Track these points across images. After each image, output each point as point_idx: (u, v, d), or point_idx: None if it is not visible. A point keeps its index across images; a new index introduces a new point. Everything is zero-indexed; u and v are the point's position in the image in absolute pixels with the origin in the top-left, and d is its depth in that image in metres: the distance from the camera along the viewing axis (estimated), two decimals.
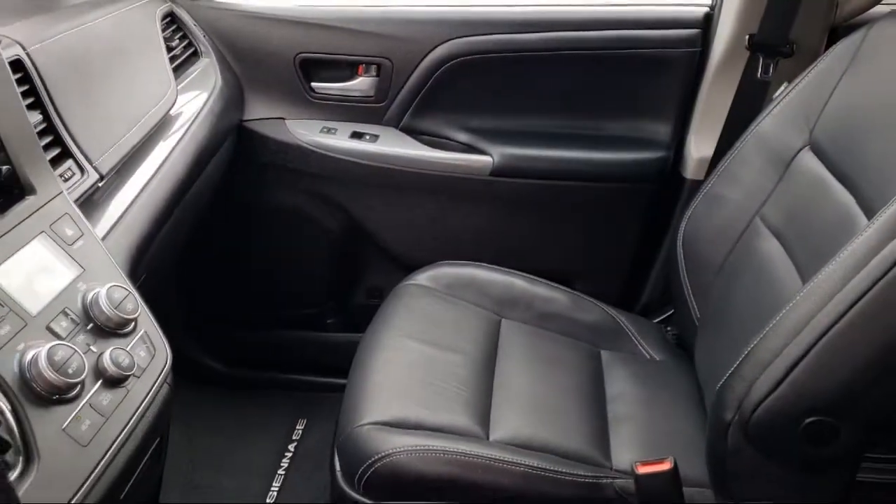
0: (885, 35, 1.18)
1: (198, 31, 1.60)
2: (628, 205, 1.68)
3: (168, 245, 1.25)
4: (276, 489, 1.58)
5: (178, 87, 1.41)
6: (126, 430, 0.84)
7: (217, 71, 1.58)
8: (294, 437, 1.72)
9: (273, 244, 1.79)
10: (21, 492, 0.68)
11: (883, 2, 1.42)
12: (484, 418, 1.19)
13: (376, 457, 1.09)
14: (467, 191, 1.68)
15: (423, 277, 1.50)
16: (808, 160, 1.23)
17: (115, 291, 0.89)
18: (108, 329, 0.88)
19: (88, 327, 0.86)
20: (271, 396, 1.82)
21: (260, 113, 1.67)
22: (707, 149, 1.57)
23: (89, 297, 0.88)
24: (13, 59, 0.98)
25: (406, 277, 1.50)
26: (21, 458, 0.71)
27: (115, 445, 0.82)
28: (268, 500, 1.55)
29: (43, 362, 0.76)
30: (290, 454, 1.67)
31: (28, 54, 1.01)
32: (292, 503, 1.57)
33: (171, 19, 1.54)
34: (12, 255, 0.84)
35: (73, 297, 0.87)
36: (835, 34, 1.45)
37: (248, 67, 1.65)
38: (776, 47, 1.46)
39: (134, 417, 0.85)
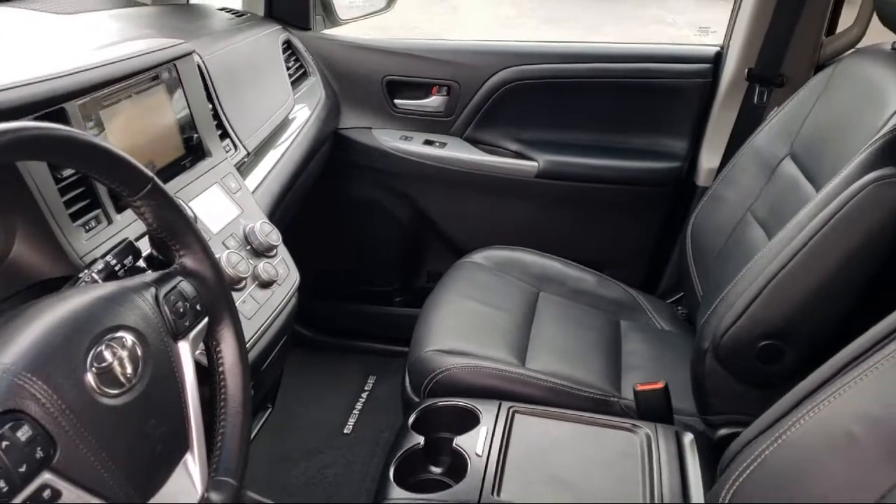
0: (847, 71, 1.49)
1: (307, 56, 1.99)
2: (649, 205, 1.98)
3: (286, 212, 1.62)
4: (352, 423, 1.92)
5: (294, 98, 1.80)
6: (271, 316, 1.20)
7: (321, 87, 1.97)
8: (366, 389, 2.06)
9: (356, 231, 2.14)
10: None
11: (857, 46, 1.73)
12: (521, 354, 1.51)
13: (438, 371, 1.42)
14: (516, 189, 2.00)
15: (477, 257, 1.83)
16: (789, 166, 1.53)
17: (264, 226, 1.26)
18: (260, 251, 1.25)
19: (247, 248, 1.23)
20: (348, 358, 2.17)
21: (352, 122, 2.05)
22: (715, 160, 1.88)
23: (247, 228, 1.25)
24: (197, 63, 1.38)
25: (464, 256, 1.84)
26: None
27: (265, 325, 1.18)
28: (345, 431, 1.90)
29: (224, 261, 1.13)
30: (362, 400, 2.01)
31: (203, 62, 1.41)
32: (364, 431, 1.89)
33: (287, 45, 1.93)
34: (200, 194, 1.22)
35: (237, 227, 1.24)
36: (821, 69, 1.77)
37: (345, 86, 2.04)
38: (770, 79, 1.78)
39: (276, 310, 1.22)
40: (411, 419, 1.31)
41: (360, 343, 2.22)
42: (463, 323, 1.57)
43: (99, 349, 0.70)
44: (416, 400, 1.44)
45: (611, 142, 2.00)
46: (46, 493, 0.62)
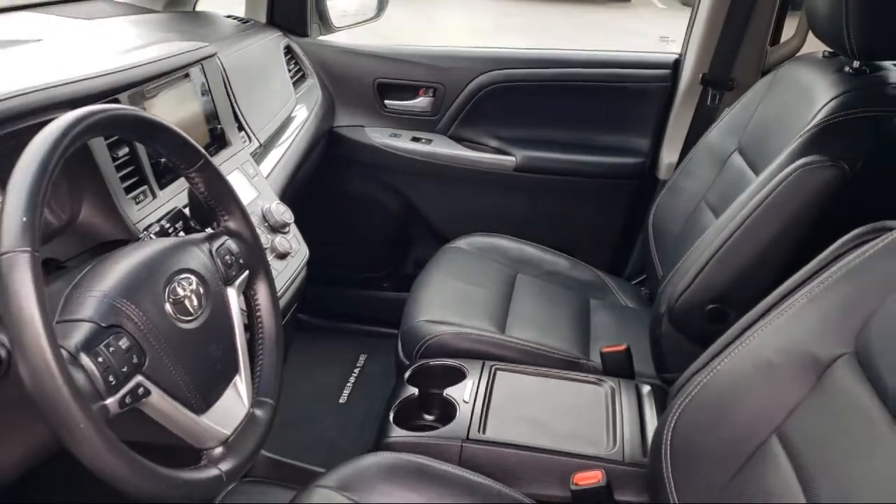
0: (786, 76, 1.69)
1: (305, 60, 2.18)
2: (616, 196, 2.19)
3: (291, 199, 1.80)
4: (346, 394, 2.10)
5: (295, 98, 1.99)
6: (287, 283, 1.38)
7: (318, 89, 2.15)
8: (358, 365, 2.24)
9: (349, 221, 2.32)
10: None
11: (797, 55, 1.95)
12: (501, 324, 1.69)
13: (428, 337, 1.61)
14: (495, 182, 2.20)
15: (461, 243, 2.01)
16: (736, 159, 1.74)
17: (279, 206, 1.44)
18: (275, 228, 1.43)
19: (264, 225, 1.41)
20: (340, 339, 2.34)
21: (346, 121, 2.24)
22: (674, 156, 2.10)
23: (265, 207, 1.43)
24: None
25: (448, 243, 2.02)
26: None
27: (282, 290, 1.36)
28: (340, 401, 2.08)
29: None
30: (355, 375, 2.19)
31: (222, 63, 1.58)
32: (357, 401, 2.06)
33: (288, 50, 2.11)
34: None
35: (255, 207, 1.42)
36: (766, 74, 1.98)
37: (339, 87, 2.22)
38: (721, 83, 2.00)
39: (291, 278, 1.40)
40: (406, 374, 1.49)
41: (351, 325, 2.39)
42: (449, 298, 1.75)
43: (172, 285, 0.88)
44: (409, 363, 1.63)
45: (581, 139, 2.20)
46: (140, 391, 0.80)
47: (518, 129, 2.22)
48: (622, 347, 1.56)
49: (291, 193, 1.77)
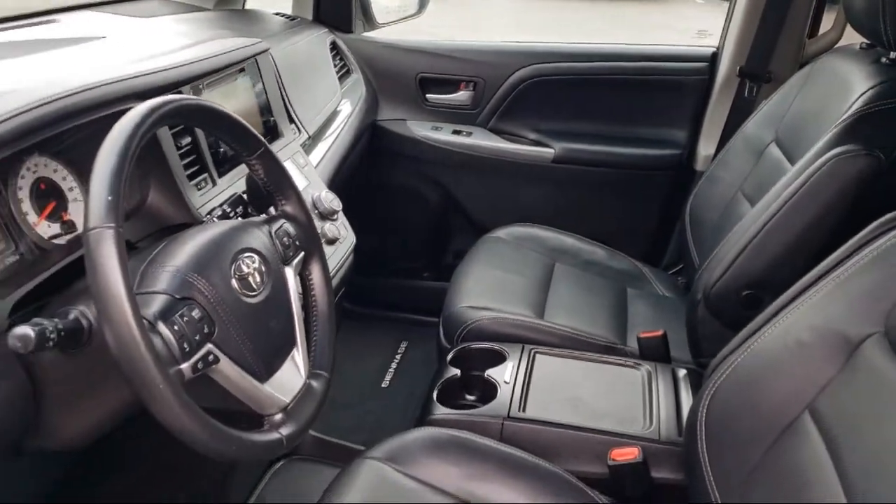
0: (823, 67, 1.72)
1: (350, 56, 2.25)
2: (654, 187, 2.23)
3: (336, 190, 1.87)
4: (388, 379, 2.17)
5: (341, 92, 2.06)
6: (335, 267, 1.45)
7: (362, 84, 2.22)
8: (399, 352, 2.31)
9: (391, 212, 2.39)
10: None
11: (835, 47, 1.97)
12: (539, 311, 1.74)
13: (468, 322, 1.66)
14: (534, 174, 2.25)
15: (500, 233, 2.06)
16: (773, 149, 1.77)
17: (328, 194, 1.51)
18: (325, 215, 1.49)
19: (314, 212, 1.48)
20: (382, 326, 2.41)
21: (388, 115, 2.31)
22: (711, 147, 2.13)
23: (315, 196, 1.50)
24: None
25: (488, 233, 2.08)
26: None
27: (332, 273, 1.42)
28: (382, 385, 2.15)
29: None
30: (396, 361, 2.26)
31: (273, 58, 1.66)
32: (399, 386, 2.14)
33: (333, 46, 2.19)
34: None
35: (306, 195, 1.49)
36: (803, 66, 2.01)
37: (382, 82, 2.30)
38: (759, 76, 2.03)
39: (339, 263, 1.47)
40: (449, 356, 1.55)
41: (392, 314, 2.46)
42: (488, 286, 1.80)
43: (238, 262, 0.95)
44: (450, 347, 1.69)
45: (619, 131, 2.25)
46: (210, 357, 0.87)
47: (556, 121, 2.27)
48: (659, 333, 1.60)
49: (337, 184, 1.84)
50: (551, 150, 2.23)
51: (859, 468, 0.89)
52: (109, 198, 0.79)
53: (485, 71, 2.24)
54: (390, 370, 2.23)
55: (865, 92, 1.46)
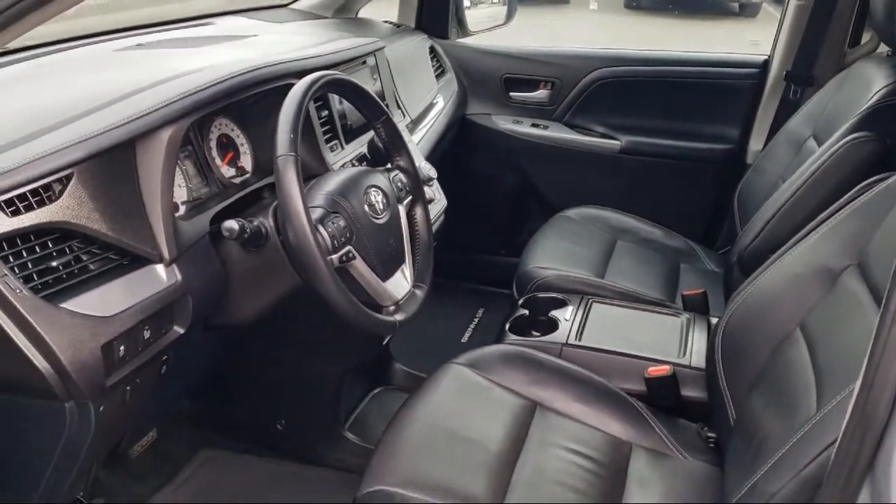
0: (856, 71, 1.99)
1: (445, 58, 2.61)
2: (708, 177, 2.50)
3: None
4: (467, 335, 2.51)
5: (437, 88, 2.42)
6: (432, 226, 1.80)
7: (455, 82, 2.58)
8: (476, 316, 2.64)
9: (475, 194, 2.71)
10: None
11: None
12: (600, 274, 2.03)
13: (537, 279, 1.97)
14: (602, 163, 2.56)
15: (569, 213, 2.37)
16: (811, 143, 2.03)
17: (427, 164, 1.85)
18: (424, 181, 1.85)
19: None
20: (462, 295, 2.74)
21: (476, 110, 2.66)
22: (760, 143, 2.40)
23: (416, 164, 1.85)
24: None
25: (559, 213, 2.40)
26: None
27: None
28: (462, 340, 2.49)
29: None
30: (474, 323, 2.60)
31: (385, 55, 2.03)
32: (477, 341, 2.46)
33: (431, 49, 2.55)
34: None
35: None
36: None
37: (472, 81, 2.65)
38: (803, 79, 2.30)
39: (434, 218, 1.81)
40: (520, 301, 1.88)
41: (472, 285, 2.79)
42: (557, 254, 2.11)
43: (368, 194, 1.32)
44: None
45: (679, 127, 2.54)
46: (350, 254, 1.23)
47: (624, 117, 2.58)
48: (700, 291, 1.89)
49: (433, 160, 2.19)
50: (618, 143, 2.54)
51: (828, 362, 1.17)
52: (291, 135, 1.16)
53: (561, 73, 2.57)
54: (469, 330, 2.56)
55: (882, 88, 1.73)
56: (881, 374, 0.69)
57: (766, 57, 2.43)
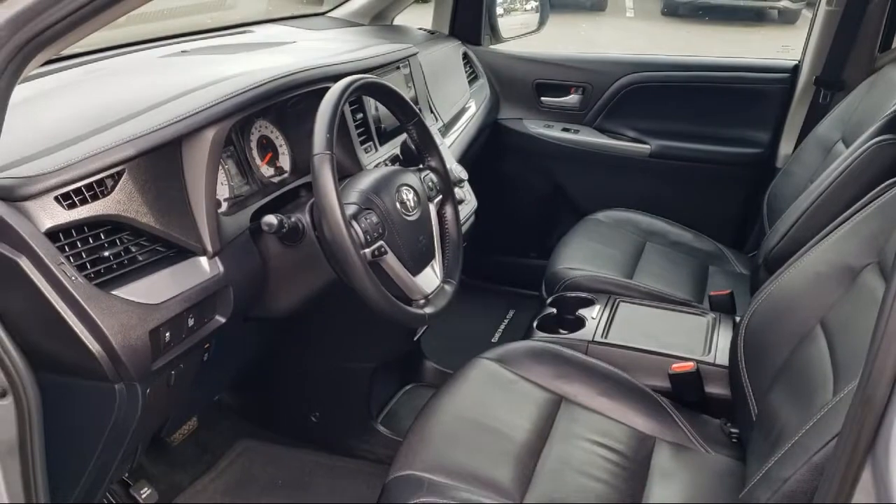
0: (885, 75, 2.00)
1: (478, 64, 2.67)
2: (738, 181, 2.52)
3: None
4: (498, 335, 2.56)
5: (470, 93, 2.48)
6: (461, 221, 1.85)
7: (487, 87, 2.64)
8: (507, 317, 2.69)
9: (505, 197, 2.77)
10: None
11: None
12: (628, 276, 2.07)
13: (566, 279, 2.02)
14: (632, 166, 2.60)
15: (599, 215, 2.40)
16: (839, 146, 2.05)
17: (458, 166, 1.91)
18: (454, 182, 1.90)
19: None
20: (493, 296, 2.79)
21: (508, 114, 2.71)
22: (790, 147, 2.41)
23: (447, 166, 1.91)
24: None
25: (589, 216, 2.43)
26: None
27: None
28: (493, 340, 2.54)
29: None
30: (505, 323, 2.64)
31: (419, 61, 2.09)
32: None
33: (465, 55, 2.61)
34: None
35: None
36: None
37: (504, 86, 2.70)
38: (833, 84, 2.31)
39: (464, 218, 1.87)
40: (549, 300, 1.93)
41: (503, 287, 2.84)
42: (586, 254, 2.15)
43: (399, 192, 1.37)
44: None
45: (708, 132, 2.56)
46: (382, 249, 1.29)
47: (653, 122, 2.61)
48: (727, 291, 1.92)
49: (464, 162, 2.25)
50: (648, 147, 2.57)
51: (846, 356, 1.20)
52: (328, 135, 1.22)
53: (592, 78, 2.61)
54: (499, 331, 2.61)
55: None
56: (881, 359, 0.73)
57: (797, 62, 2.44)
